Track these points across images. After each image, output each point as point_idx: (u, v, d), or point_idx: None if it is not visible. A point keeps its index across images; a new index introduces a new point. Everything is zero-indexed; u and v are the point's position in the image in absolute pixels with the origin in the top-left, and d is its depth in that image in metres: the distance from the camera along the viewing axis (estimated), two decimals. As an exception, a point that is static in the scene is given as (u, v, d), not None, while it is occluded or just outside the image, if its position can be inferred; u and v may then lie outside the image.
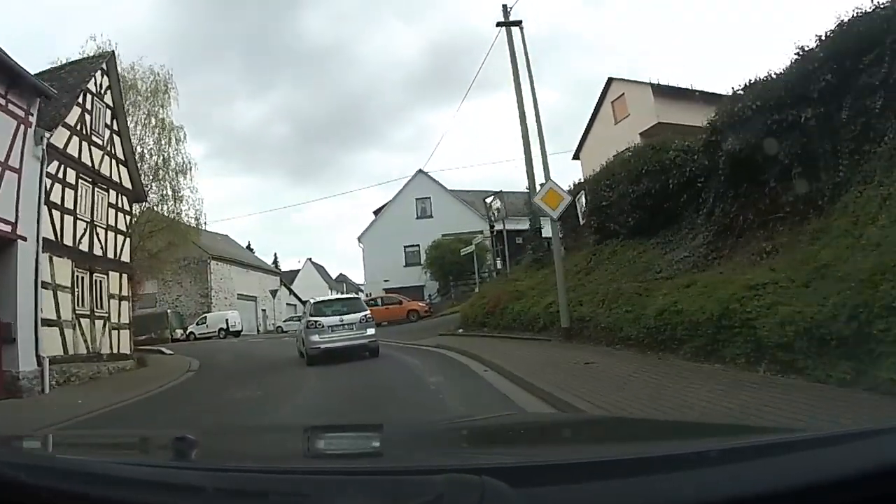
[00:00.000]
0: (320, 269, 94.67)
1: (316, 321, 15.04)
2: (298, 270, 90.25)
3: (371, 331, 15.43)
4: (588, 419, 3.81)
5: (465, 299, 28.49)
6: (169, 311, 46.07)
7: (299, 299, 65.77)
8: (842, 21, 8.68)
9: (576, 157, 33.90)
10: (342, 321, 15.03)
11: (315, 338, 14.77)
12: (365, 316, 15.55)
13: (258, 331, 53.25)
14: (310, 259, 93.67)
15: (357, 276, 65.41)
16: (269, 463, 1.72)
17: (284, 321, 52.70)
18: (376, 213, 45.29)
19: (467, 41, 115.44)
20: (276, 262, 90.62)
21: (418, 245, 41.36)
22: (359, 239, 43.50)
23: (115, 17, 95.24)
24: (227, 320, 44.78)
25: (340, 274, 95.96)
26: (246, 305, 53.28)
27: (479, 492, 0.91)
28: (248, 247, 74.97)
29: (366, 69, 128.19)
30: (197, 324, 45.76)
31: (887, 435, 1.07)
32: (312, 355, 14.68)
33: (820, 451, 1.10)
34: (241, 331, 45.58)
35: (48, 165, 14.67)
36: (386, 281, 40.57)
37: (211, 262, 50.39)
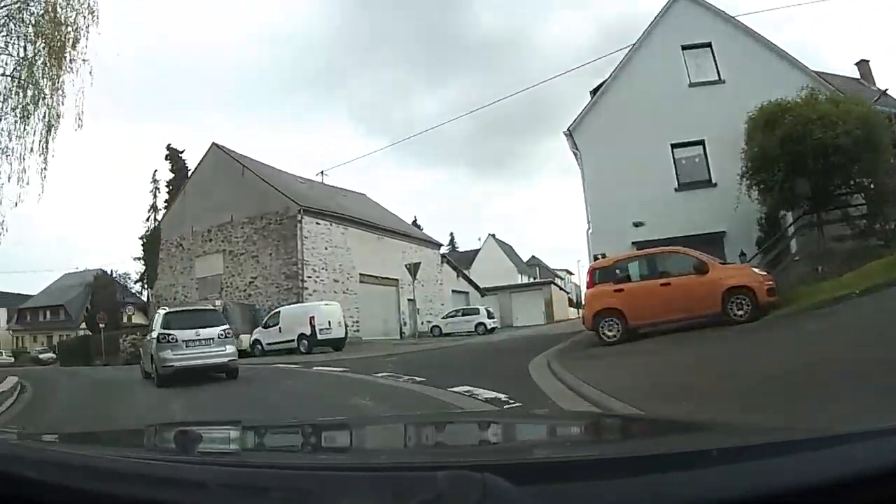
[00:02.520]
0: (506, 248, 79.15)
1: (168, 335, 13.55)
2: (478, 250, 71.38)
3: (231, 348, 14.27)
4: (591, 416, 3.85)
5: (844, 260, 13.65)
6: (222, 303, 26.89)
7: (474, 285, 45.66)
8: None
9: None
10: (199, 335, 13.70)
11: (168, 354, 13.30)
12: (224, 330, 14.28)
13: (401, 333, 37.24)
14: (492, 235, 75.18)
15: (554, 261, 47.01)
16: (272, 459, 1.71)
17: (445, 317, 38.24)
18: (594, 91, 21.87)
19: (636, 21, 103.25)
20: (452, 242, 72.95)
21: (702, 141, 18.17)
22: (570, 134, 19.87)
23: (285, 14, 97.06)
24: (311, 319, 25.09)
25: (533, 257, 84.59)
26: (380, 294, 36.37)
27: (480, 489, 0.93)
28: (415, 223, 55.72)
29: (539, 57, 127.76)
30: (265, 325, 26.06)
31: (889, 436, 1.08)
32: (164, 375, 13.27)
33: (821, 452, 1.10)
34: (345, 337, 26.46)
35: None
36: (638, 225, 17.73)
37: (302, 217, 30.57)
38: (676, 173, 18.76)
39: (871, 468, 0.98)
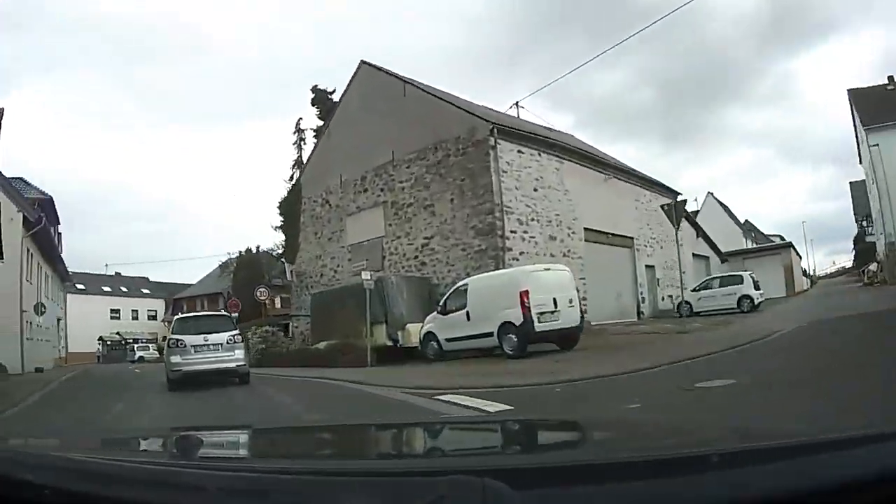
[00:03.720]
0: (727, 209, 72.27)
1: (178, 340, 14.27)
2: (696, 212, 61.48)
3: (240, 353, 14.48)
4: (591, 421, 3.48)
5: None
6: (379, 278, 17.50)
7: (714, 247, 39.27)
8: None
9: None
10: (207, 341, 14.12)
11: (176, 359, 13.95)
12: (233, 336, 14.54)
13: (638, 313, 27.00)
14: (711, 193, 71.15)
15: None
16: (272, 463, 1.71)
17: (696, 290, 26.75)
18: None
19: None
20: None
21: None
22: None
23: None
24: (523, 296, 15.38)
25: (746, 221, 79.06)
26: (609, 258, 26.00)
27: (480, 494, 0.94)
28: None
29: (714, 22, 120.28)
30: (444, 310, 17.47)
31: (890, 441, 1.10)
32: (173, 379, 13.94)
33: (821, 457, 1.12)
34: (580, 325, 16.63)
35: None
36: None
37: (497, 142, 20.41)
38: None
39: (872, 474, 0.99)
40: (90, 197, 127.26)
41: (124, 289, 67.77)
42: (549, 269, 16.09)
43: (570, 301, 15.56)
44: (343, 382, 13.57)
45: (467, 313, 15.87)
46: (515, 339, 14.71)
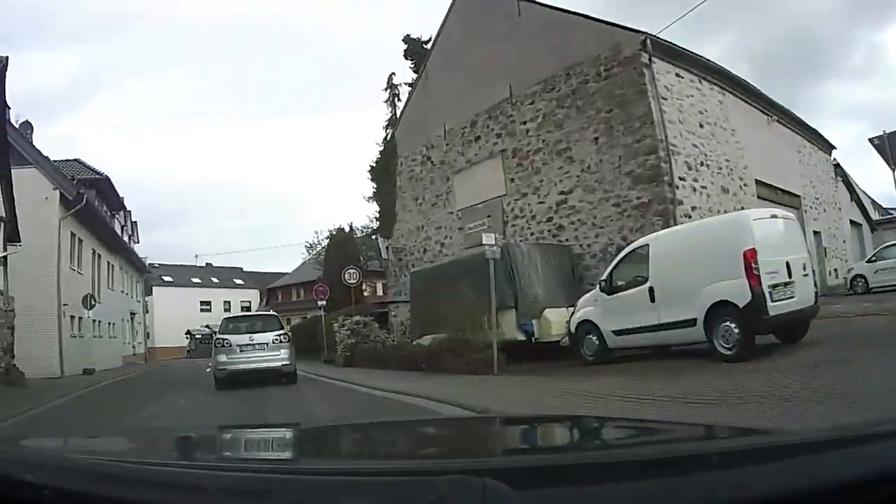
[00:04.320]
0: (847, 178, 56.70)
1: (223, 339, 14.55)
2: None
3: (285, 353, 14.57)
4: (591, 420, 3.68)
5: None
6: (496, 242, 12.31)
7: (865, 213, 33.02)
8: None
9: None
10: (252, 340, 14.43)
11: (222, 358, 14.22)
12: (279, 336, 14.75)
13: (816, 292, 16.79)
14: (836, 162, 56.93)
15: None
16: (272, 463, 1.77)
17: (871, 261, 20.77)
18: None
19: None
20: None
21: None
22: None
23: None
24: (748, 256, 9.79)
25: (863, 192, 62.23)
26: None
27: (480, 494, 0.95)
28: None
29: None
30: (610, 287, 12.10)
31: (889, 439, 1.11)
32: (219, 378, 14.15)
33: (821, 456, 1.12)
34: (815, 303, 10.84)
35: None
36: None
37: (653, 60, 15.13)
38: None
39: (872, 473, 1.00)
40: (183, 192, 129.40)
41: (215, 280, 66.00)
42: (776, 217, 10.81)
43: (804, 267, 10.36)
44: (460, 411, 8.12)
45: (650, 290, 10.74)
46: (736, 330, 9.53)
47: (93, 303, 23.50)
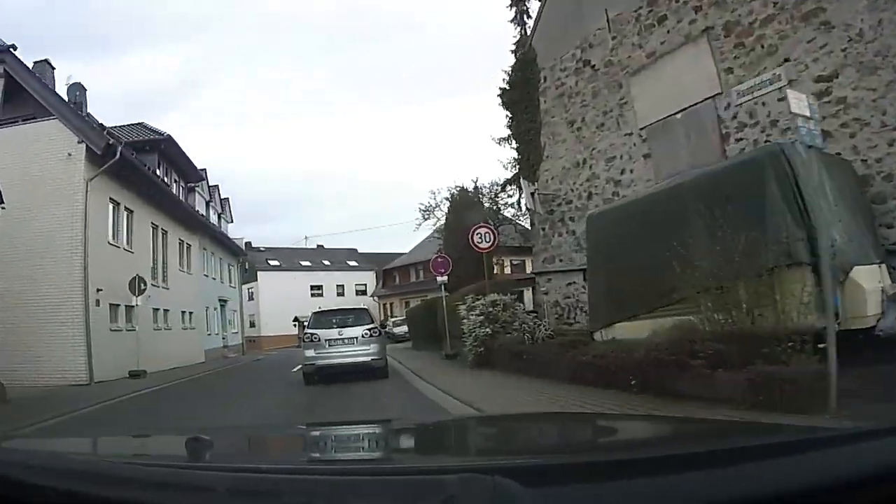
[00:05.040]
0: None
1: (312, 334, 14.37)
2: None
3: (375, 347, 14.33)
4: (600, 418, 3.92)
5: None
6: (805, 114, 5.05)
7: None
8: None
9: None
10: (341, 335, 14.22)
11: (310, 353, 14.06)
12: (369, 330, 14.49)
13: None
14: None
15: None
16: (282, 463, 1.80)
17: None
18: None
19: None
20: None
21: None
22: None
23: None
24: None
25: None
26: None
27: (491, 491, 0.96)
28: None
29: None
30: None
31: (887, 437, 1.13)
32: (307, 373, 14.02)
33: (831, 451, 1.14)
34: None
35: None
36: None
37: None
38: None
39: (880, 469, 1.02)
40: (290, 180, 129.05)
41: (327, 262, 61.84)
42: None
43: None
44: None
45: None
46: None
47: (142, 287, 18.85)
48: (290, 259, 59.97)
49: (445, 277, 17.56)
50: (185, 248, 27.96)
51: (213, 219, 35.51)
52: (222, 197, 38.80)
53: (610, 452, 1.70)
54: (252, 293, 57.54)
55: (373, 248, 64.39)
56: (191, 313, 27.58)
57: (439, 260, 18.35)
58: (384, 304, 55.77)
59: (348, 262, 62.97)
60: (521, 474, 1.03)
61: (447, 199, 28.51)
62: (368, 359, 13.87)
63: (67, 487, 1.13)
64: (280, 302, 53.59)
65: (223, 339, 34.98)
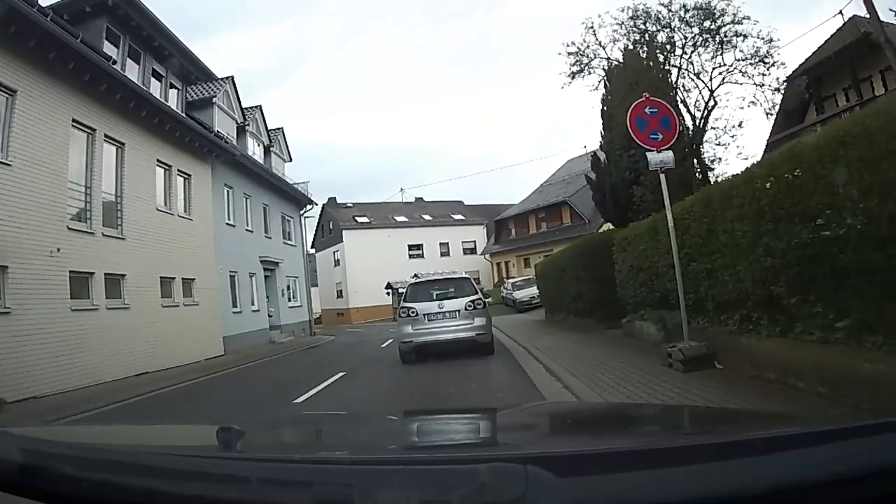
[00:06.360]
0: None
1: (409, 308, 13.57)
2: None
3: (480, 321, 13.54)
4: (633, 408, 3.98)
5: None
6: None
7: None
8: None
9: None
10: (442, 308, 13.49)
11: (407, 329, 13.44)
12: (472, 301, 13.64)
13: None
14: None
15: None
16: (313, 453, 1.81)
17: None
18: None
19: None
20: None
21: None
22: None
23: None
24: None
25: None
26: None
27: (523, 481, 0.97)
28: None
29: None
30: None
31: (884, 433, 1.12)
32: (404, 350, 13.52)
33: (846, 443, 1.12)
34: None
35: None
36: None
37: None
38: None
39: (884, 464, 1.01)
40: (394, 155, 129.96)
41: (428, 217, 53.69)
42: None
43: None
44: None
45: None
46: None
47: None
48: (382, 215, 52.08)
49: (670, 153, 8.81)
50: (173, 176, 19.72)
51: (253, 150, 27.00)
52: (269, 128, 29.70)
53: (643, 441, 1.70)
54: (338, 257, 49.84)
55: (481, 201, 55.73)
56: (191, 280, 19.85)
57: (646, 111, 8.96)
58: (497, 264, 47.44)
59: (452, 216, 55.29)
60: (554, 463, 1.04)
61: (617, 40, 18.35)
62: (473, 334, 13.24)
63: (98, 477, 1.14)
64: (371, 265, 45.65)
65: (269, 317, 26.94)
